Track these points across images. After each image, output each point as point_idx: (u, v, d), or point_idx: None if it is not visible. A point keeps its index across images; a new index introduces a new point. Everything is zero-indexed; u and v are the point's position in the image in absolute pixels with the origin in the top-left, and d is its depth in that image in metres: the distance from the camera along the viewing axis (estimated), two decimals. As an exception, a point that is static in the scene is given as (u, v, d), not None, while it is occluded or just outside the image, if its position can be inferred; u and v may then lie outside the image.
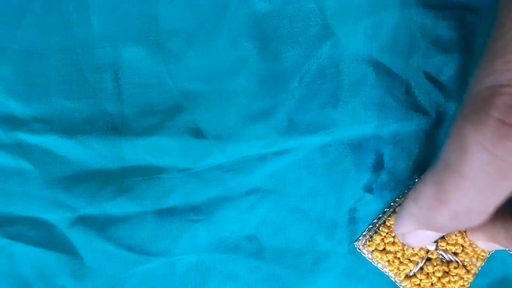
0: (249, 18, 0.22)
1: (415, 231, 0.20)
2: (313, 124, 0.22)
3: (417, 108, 0.22)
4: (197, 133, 0.22)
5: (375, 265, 0.23)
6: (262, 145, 0.22)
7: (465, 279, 0.23)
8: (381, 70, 0.22)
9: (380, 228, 0.23)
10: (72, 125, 0.22)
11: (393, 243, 0.22)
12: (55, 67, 0.22)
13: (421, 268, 0.23)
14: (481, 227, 0.21)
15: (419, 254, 0.22)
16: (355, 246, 0.23)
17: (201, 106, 0.22)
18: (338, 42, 0.22)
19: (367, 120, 0.22)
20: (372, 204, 0.23)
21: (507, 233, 0.19)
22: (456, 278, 0.22)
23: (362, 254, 0.23)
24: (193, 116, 0.22)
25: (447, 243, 0.22)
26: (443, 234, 0.21)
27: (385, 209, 0.23)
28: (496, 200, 0.17)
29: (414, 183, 0.22)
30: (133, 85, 0.22)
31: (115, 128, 0.22)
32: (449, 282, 0.22)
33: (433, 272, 0.22)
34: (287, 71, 0.22)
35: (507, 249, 0.23)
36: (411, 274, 0.23)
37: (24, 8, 0.21)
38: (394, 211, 0.22)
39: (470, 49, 0.22)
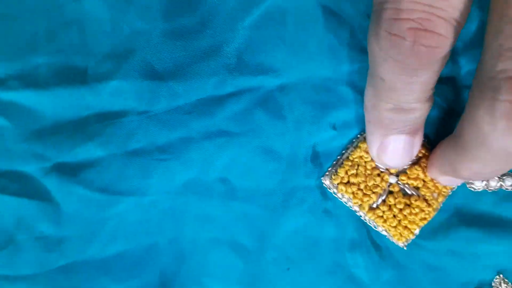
0: None
1: (383, 144, 0.22)
2: (262, 64, 0.23)
3: (361, 49, 0.23)
4: (150, 74, 0.23)
5: (340, 199, 0.24)
6: (214, 84, 0.23)
7: (426, 212, 0.24)
8: (328, 14, 0.23)
9: (344, 162, 0.24)
10: (43, 79, 0.23)
11: (356, 175, 0.24)
12: (28, 27, 0.24)
13: (384, 201, 0.24)
14: (432, 162, 0.23)
15: (380, 185, 0.24)
16: (322, 181, 0.24)
17: (151, 45, 0.23)
18: None
19: (317, 62, 0.23)
20: (336, 141, 0.24)
21: (451, 165, 0.21)
22: (417, 210, 0.24)
23: (328, 189, 0.24)
24: (144, 56, 0.23)
25: (408, 177, 0.24)
26: (409, 140, 0.22)
27: (348, 145, 0.24)
28: (420, 93, 0.19)
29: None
30: (97, 35, 0.23)
31: (80, 77, 0.23)
32: (410, 214, 0.24)
33: (395, 204, 0.24)
34: (233, 11, 0.23)
35: (467, 185, 0.24)
36: (374, 206, 0.24)
37: None
38: (357, 146, 0.24)
39: None
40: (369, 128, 0.22)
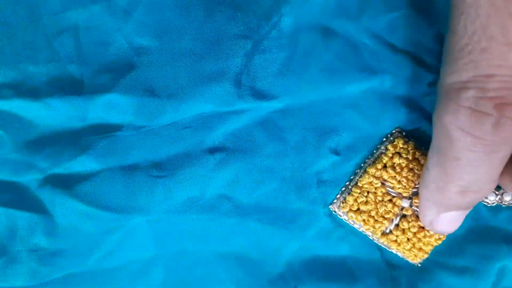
0: None
1: (439, 217, 0.21)
2: (266, 91, 0.22)
3: (366, 69, 0.22)
4: (150, 91, 0.23)
5: (352, 225, 0.23)
6: (215, 105, 0.23)
7: (441, 232, 0.23)
8: (331, 35, 0.22)
9: (353, 189, 0.23)
10: (38, 89, 0.23)
11: (366, 202, 0.23)
12: (22, 35, 0.23)
13: (397, 225, 0.23)
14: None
15: (392, 211, 0.23)
16: (331, 209, 0.23)
17: (153, 64, 0.23)
18: (291, 11, 0.22)
19: (319, 85, 0.22)
20: (341, 167, 0.23)
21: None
22: (432, 232, 0.23)
23: (338, 216, 0.23)
24: (145, 74, 0.22)
25: (421, 199, 0.23)
26: (467, 212, 0.22)
27: (356, 171, 0.23)
28: (494, 170, 0.19)
29: (382, 142, 0.23)
30: (92, 45, 0.23)
31: (75, 88, 0.23)
32: (424, 236, 0.23)
33: (409, 228, 0.23)
34: (240, 36, 0.22)
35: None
36: (387, 231, 0.23)
37: None
38: (365, 171, 0.23)
39: (417, 5, 0.22)
40: (426, 205, 0.21)
